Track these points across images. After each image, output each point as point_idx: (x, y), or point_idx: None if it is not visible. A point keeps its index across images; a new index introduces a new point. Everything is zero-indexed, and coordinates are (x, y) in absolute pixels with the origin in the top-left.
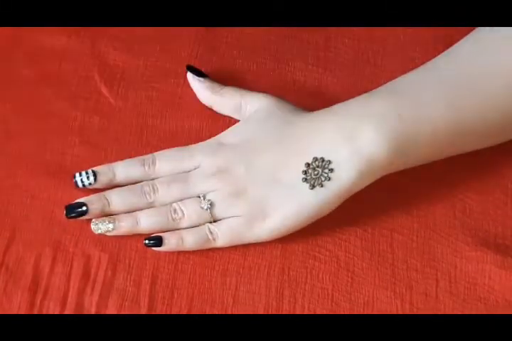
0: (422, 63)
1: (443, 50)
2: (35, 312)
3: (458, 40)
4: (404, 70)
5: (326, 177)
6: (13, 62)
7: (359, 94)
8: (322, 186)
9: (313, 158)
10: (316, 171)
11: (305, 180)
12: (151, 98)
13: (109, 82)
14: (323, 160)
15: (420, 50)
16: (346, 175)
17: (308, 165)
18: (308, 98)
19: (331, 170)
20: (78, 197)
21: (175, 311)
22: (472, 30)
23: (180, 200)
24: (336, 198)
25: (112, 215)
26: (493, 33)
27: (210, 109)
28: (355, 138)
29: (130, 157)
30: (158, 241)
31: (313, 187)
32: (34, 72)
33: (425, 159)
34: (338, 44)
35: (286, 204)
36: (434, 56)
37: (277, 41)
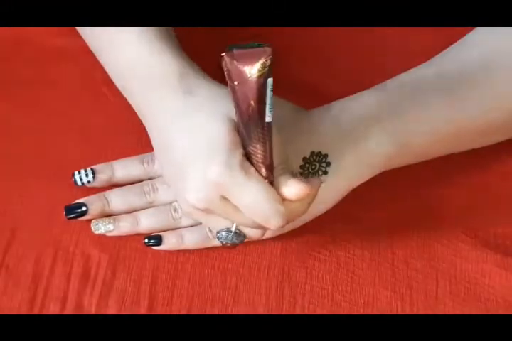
0: (422, 62)
1: (443, 50)
2: (36, 311)
3: (458, 40)
4: (404, 69)
5: (323, 172)
6: (14, 62)
7: None
8: None
9: (311, 153)
10: (313, 165)
11: (302, 174)
12: None
13: (111, 81)
14: (320, 154)
15: (420, 50)
16: (344, 169)
17: (305, 159)
18: (308, 98)
19: (328, 163)
20: (78, 197)
21: (175, 311)
22: (472, 30)
23: None
24: (335, 193)
25: (112, 215)
26: (493, 33)
27: None
28: (354, 134)
29: (130, 156)
30: (158, 240)
31: None
32: (34, 71)
33: (425, 156)
34: (338, 44)
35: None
36: (434, 56)
37: (277, 41)
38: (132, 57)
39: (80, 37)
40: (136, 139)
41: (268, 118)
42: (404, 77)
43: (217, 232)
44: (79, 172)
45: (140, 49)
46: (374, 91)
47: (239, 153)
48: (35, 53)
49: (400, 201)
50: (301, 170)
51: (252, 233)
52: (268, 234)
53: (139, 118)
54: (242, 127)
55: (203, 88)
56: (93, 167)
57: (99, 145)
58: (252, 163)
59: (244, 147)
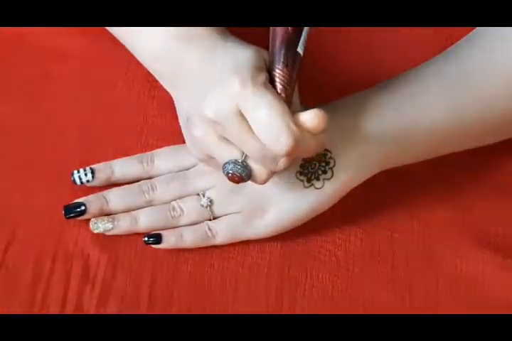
0: (422, 63)
1: (443, 50)
2: (36, 311)
3: (458, 40)
4: (404, 70)
5: (322, 171)
6: (15, 62)
7: None
8: (319, 180)
9: None
10: (313, 164)
11: (301, 174)
12: (152, 97)
13: (112, 82)
14: (319, 153)
15: (420, 50)
16: (343, 168)
17: (305, 158)
18: (308, 97)
19: (328, 163)
20: (78, 197)
21: (174, 311)
22: (472, 30)
23: (179, 198)
24: (334, 192)
25: (112, 214)
26: (493, 33)
27: None
28: (352, 132)
29: (129, 156)
30: (158, 238)
31: (309, 180)
32: (35, 71)
33: (425, 154)
34: (338, 44)
35: (283, 201)
36: (434, 56)
37: None
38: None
39: (80, 36)
40: (135, 139)
41: (299, 50)
42: (405, 76)
43: (225, 163)
44: (78, 172)
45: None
46: (374, 90)
47: (263, 75)
48: (35, 53)
49: (400, 200)
50: (301, 169)
51: (258, 170)
52: (263, 230)
53: (140, 118)
54: (274, 50)
55: (238, 39)
56: (92, 166)
57: (99, 144)
58: (275, 87)
59: (271, 70)
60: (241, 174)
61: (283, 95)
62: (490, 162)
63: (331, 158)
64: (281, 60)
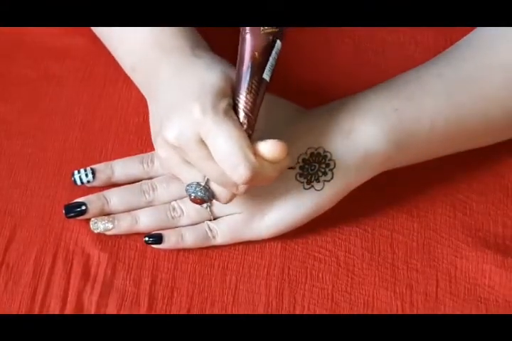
0: (422, 63)
1: (443, 50)
2: (36, 309)
3: (458, 40)
4: (404, 70)
5: (323, 173)
6: (15, 62)
7: None
8: (319, 181)
9: (310, 154)
10: (313, 166)
11: (301, 175)
12: None
13: (113, 81)
14: (319, 155)
15: (420, 50)
16: (343, 169)
17: (304, 160)
18: (308, 98)
19: (328, 165)
20: (78, 196)
21: (175, 310)
22: (472, 30)
23: (180, 198)
24: (334, 194)
25: (112, 214)
26: (493, 33)
27: None
28: (352, 133)
29: (130, 156)
30: (158, 238)
31: (309, 182)
32: (35, 71)
33: (425, 155)
34: (338, 44)
35: (283, 202)
36: (434, 56)
37: None
38: (145, 35)
39: (80, 37)
40: (136, 139)
41: (265, 76)
42: (405, 77)
43: (187, 185)
44: (79, 172)
45: (153, 30)
46: (374, 91)
47: (226, 100)
48: (35, 53)
49: (400, 200)
50: (301, 171)
51: (221, 192)
52: (264, 231)
53: (140, 118)
54: (240, 76)
55: (211, 55)
56: (93, 166)
57: (100, 144)
58: (237, 113)
59: (235, 96)
60: (202, 197)
61: (245, 122)
62: (490, 162)
63: (331, 159)
64: (246, 86)
